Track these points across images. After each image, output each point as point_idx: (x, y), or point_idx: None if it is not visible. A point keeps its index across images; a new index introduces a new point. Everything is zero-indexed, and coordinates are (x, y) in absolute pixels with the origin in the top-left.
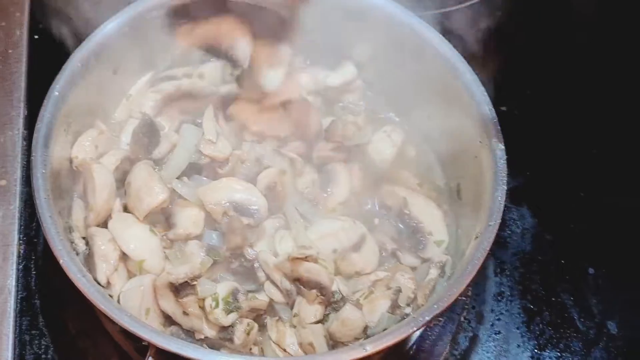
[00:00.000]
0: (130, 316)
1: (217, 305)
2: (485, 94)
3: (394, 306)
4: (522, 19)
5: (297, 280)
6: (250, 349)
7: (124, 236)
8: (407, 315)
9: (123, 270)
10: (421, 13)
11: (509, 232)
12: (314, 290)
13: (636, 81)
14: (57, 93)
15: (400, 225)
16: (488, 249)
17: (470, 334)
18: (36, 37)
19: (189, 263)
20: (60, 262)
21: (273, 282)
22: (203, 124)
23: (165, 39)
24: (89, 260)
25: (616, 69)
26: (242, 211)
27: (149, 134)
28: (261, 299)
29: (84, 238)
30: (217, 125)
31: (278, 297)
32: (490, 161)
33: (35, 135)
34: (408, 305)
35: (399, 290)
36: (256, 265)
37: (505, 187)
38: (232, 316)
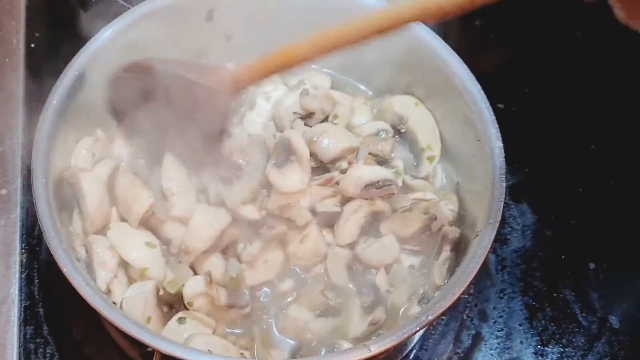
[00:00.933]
0: (135, 323)
1: None
2: (482, 92)
3: (425, 229)
4: (519, 15)
5: None
6: None
7: (124, 245)
8: None
9: (123, 276)
10: None
11: (509, 229)
12: None
13: (634, 77)
14: (55, 102)
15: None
16: (489, 247)
17: (474, 332)
18: (32, 45)
19: None
20: (64, 270)
21: None
22: None
23: (161, 44)
24: (89, 267)
25: (614, 65)
26: None
27: None
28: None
29: (84, 246)
30: None
31: None
32: (489, 159)
33: (35, 145)
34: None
35: (433, 218)
36: None
37: (505, 185)
38: None
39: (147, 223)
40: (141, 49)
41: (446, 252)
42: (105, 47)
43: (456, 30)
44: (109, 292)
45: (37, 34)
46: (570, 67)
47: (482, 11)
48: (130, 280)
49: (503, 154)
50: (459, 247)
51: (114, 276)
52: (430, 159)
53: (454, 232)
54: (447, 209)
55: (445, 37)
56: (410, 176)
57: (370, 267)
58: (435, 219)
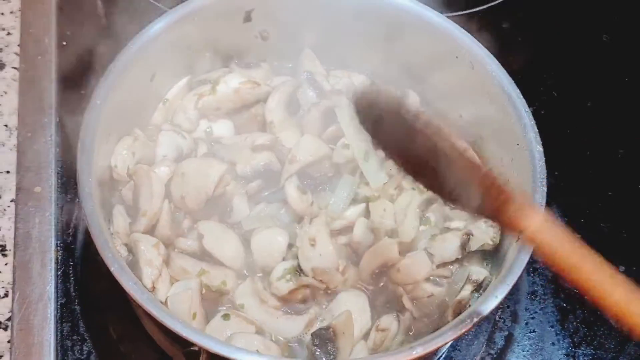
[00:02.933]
0: (183, 322)
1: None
2: (522, 96)
3: (463, 248)
4: (546, 18)
5: None
6: None
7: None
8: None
9: (166, 274)
10: (446, 15)
11: None
12: None
13: None
14: (98, 102)
15: None
16: (532, 250)
17: (506, 333)
18: (64, 43)
19: None
20: (112, 269)
21: None
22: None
23: (203, 43)
24: (133, 265)
25: None
26: None
27: None
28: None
29: (125, 245)
30: None
31: None
32: (529, 163)
33: (79, 146)
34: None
35: (469, 234)
36: None
37: (545, 189)
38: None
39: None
40: (180, 48)
41: (466, 292)
42: (144, 47)
43: (484, 33)
44: (153, 289)
45: (68, 32)
46: (598, 71)
47: (510, 14)
48: (172, 279)
49: (543, 158)
50: (480, 289)
51: (159, 274)
52: None
53: (478, 274)
54: (487, 225)
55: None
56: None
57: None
58: (472, 235)
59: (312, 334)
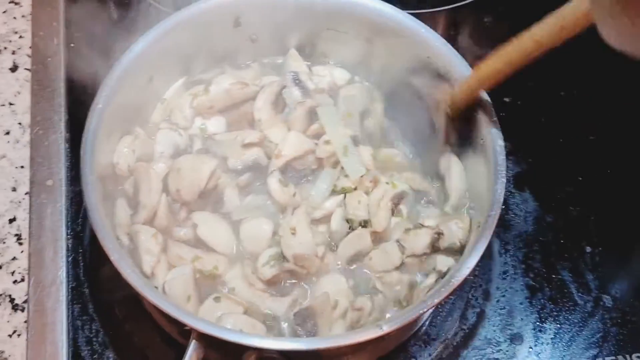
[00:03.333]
0: (175, 305)
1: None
2: (486, 94)
3: (432, 245)
4: (525, 12)
5: None
6: None
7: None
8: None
9: (164, 261)
10: (430, 10)
11: (512, 215)
12: None
13: (632, 72)
14: (100, 105)
15: None
16: (489, 237)
17: (478, 310)
18: (72, 45)
19: None
20: (112, 259)
21: None
22: None
23: (193, 48)
24: (133, 253)
25: (614, 61)
26: None
27: None
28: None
29: (127, 234)
30: None
31: None
32: (491, 157)
33: (82, 145)
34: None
35: (440, 233)
36: None
37: (505, 181)
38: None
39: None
40: (176, 52)
41: (430, 280)
42: (143, 53)
43: (465, 27)
44: (152, 275)
45: (76, 34)
46: (572, 62)
47: (491, 7)
48: (169, 266)
49: (504, 152)
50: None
51: (157, 261)
52: None
53: (443, 265)
54: (457, 227)
55: (456, 33)
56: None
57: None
58: (442, 234)
59: (294, 314)
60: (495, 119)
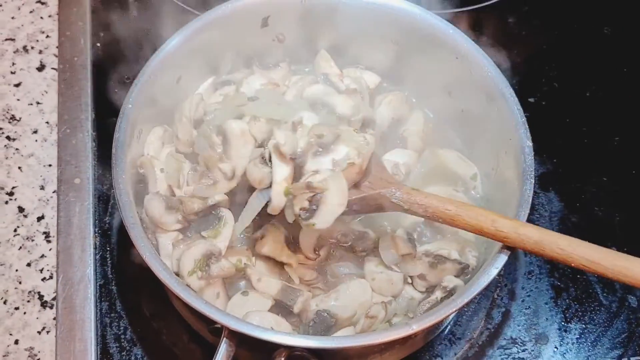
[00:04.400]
0: (207, 303)
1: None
2: (515, 95)
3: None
4: (550, 12)
5: None
6: None
7: None
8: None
9: None
10: (456, 10)
11: (537, 215)
12: None
13: None
14: (130, 106)
15: None
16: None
17: (503, 309)
18: (98, 44)
19: None
20: (144, 257)
21: None
22: None
23: (225, 47)
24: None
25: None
26: None
27: None
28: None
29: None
30: None
31: None
32: (519, 157)
33: (114, 145)
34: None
35: (467, 267)
36: None
37: (533, 181)
38: None
39: None
40: (205, 52)
41: (435, 296)
42: (172, 53)
43: (489, 28)
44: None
45: (101, 34)
46: (597, 63)
47: (515, 9)
48: None
49: (532, 153)
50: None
51: None
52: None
53: (450, 283)
54: (471, 255)
55: (479, 34)
56: None
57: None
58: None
59: (316, 312)
60: (523, 119)
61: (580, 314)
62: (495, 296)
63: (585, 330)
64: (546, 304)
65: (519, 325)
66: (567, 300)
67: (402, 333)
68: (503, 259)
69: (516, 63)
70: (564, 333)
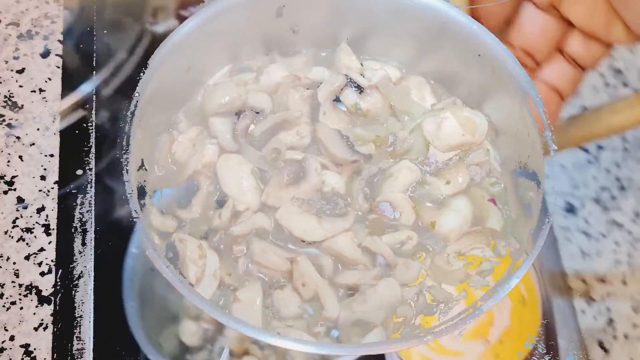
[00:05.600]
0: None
1: None
2: (539, 95)
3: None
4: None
5: None
6: None
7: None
8: None
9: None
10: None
11: None
12: None
13: None
14: (137, 94)
15: None
16: (542, 244)
17: None
18: (105, 31)
19: None
20: (160, 270)
21: None
22: None
23: (241, 35)
24: (174, 260)
25: None
26: None
27: None
28: None
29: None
30: None
31: None
32: (542, 159)
33: (123, 135)
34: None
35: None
36: None
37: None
38: None
39: None
40: (215, 41)
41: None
42: (185, 39)
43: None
44: (197, 284)
45: (108, 20)
46: None
47: None
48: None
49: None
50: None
51: (203, 271)
52: None
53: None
54: (501, 246)
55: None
56: None
57: None
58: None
59: None
60: (549, 121)
61: None
62: None
63: None
64: None
65: None
66: None
67: (413, 344)
68: (530, 260)
69: None
70: None
